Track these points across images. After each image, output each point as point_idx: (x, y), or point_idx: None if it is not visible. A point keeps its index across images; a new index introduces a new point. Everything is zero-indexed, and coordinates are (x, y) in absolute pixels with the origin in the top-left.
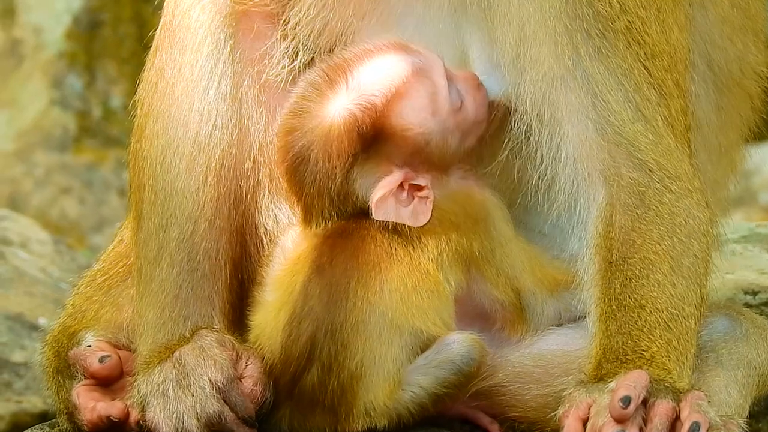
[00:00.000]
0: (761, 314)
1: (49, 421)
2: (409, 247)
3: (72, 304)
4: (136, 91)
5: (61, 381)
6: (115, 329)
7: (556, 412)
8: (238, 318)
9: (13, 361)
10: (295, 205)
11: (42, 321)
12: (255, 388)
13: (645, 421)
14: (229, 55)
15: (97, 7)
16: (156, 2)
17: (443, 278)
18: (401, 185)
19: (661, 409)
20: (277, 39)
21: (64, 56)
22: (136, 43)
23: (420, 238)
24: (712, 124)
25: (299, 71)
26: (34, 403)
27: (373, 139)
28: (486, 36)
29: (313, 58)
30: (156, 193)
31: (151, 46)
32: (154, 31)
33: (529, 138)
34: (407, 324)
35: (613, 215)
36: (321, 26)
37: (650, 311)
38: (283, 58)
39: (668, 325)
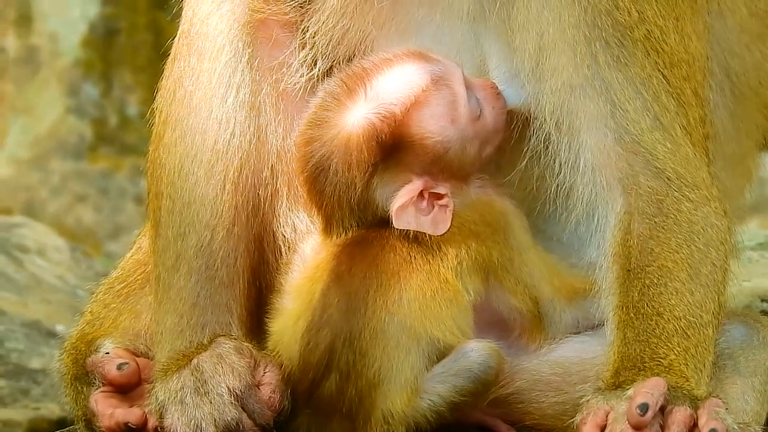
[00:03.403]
0: None
1: (67, 428)
2: (429, 256)
3: (90, 312)
4: (153, 98)
5: (79, 388)
6: (133, 336)
7: (573, 419)
8: (256, 325)
9: (31, 368)
10: (315, 215)
11: (59, 328)
12: (273, 395)
13: (663, 428)
14: (248, 63)
15: (113, 15)
16: (173, 11)
17: (462, 287)
18: (421, 194)
19: (679, 416)
20: (295, 48)
21: (80, 64)
22: (152, 51)
23: (439, 246)
24: (728, 132)
25: (318, 80)
26: (52, 409)
27: (392, 148)
28: (505, 45)
29: (331, 67)
30: (174, 201)
31: (167, 54)
32: (171, 39)
33: (547, 147)
34: (425, 333)
35: (631, 224)
36: (340, 35)
37: (668, 319)
38: (302, 66)
39: (686, 333)
